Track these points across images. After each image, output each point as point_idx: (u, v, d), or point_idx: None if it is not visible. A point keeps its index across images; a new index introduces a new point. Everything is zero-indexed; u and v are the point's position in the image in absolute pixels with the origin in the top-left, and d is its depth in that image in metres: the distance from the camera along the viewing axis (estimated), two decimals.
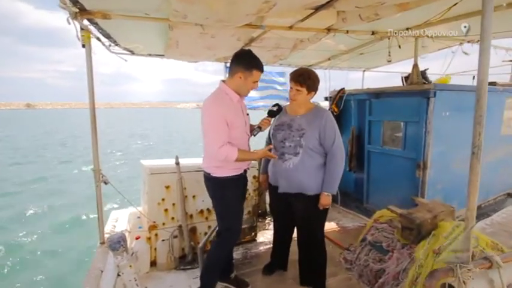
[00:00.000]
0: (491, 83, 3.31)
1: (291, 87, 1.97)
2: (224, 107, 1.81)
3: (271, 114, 2.04)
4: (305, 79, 1.89)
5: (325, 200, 1.94)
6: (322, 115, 1.93)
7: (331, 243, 3.00)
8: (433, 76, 3.64)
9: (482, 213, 3.40)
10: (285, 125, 2.01)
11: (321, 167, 1.96)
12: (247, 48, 2.91)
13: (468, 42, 3.09)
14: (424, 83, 2.94)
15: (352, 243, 2.81)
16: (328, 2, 1.75)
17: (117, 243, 1.99)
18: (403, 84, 3.61)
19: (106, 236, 2.42)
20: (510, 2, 1.85)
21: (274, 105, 2.05)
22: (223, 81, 1.91)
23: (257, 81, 1.88)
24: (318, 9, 1.92)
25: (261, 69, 1.86)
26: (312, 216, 2.04)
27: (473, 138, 0.93)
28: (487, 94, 0.91)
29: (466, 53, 3.14)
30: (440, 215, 2.23)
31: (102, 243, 2.33)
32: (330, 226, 3.35)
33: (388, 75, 4.93)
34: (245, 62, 1.81)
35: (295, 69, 2.03)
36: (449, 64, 3.28)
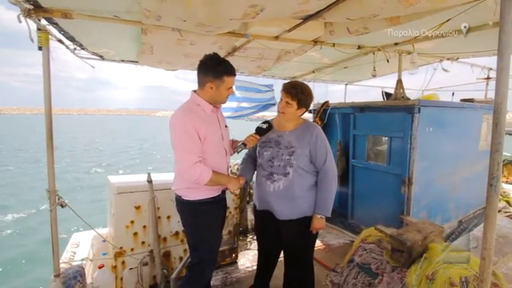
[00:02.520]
0: (469, 100, 3.40)
1: (281, 99, 1.80)
2: (195, 118, 1.59)
3: (260, 132, 1.82)
4: (297, 92, 1.73)
5: (319, 223, 1.78)
6: (313, 131, 1.78)
7: (316, 264, 2.83)
8: (413, 92, 3.70)
9: (464, 227, 3.42)
10: (272, 142, 1.83)
11: (312, 188, 1.81)
12: (229, 57, 2.75)
13: (448, 59, 3.16)
14: (408, 99, 2.93)
15: (339, 263, 2.67)
16: (318, 12, 1.64)
17: (73, 279, 1.71)
18: (384, 98, 3.63)
19: (63, 266, 2.08)
20: (496, 22, 1.84)
21: (264, 122, 1.85)
22: (194, 91, 1.69)
23: (231, 87, 1.69)
24: (306, 19, 1.81)
25: (233, 73, 1.64)
26: (301, 240, 1.87)
27: (490, 167, 0.81)
28: (505, 118, 0.79)
29: (445, 70, 3.20)
30: (430, 236, 2.15)
31: (57, 275, 1.99)
32: None
33: (365, 89, 5.00)
34: (213, 69, 1.59)
35: (283, 81, 1.88)
36: (429, 80, 3.34)
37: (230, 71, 1.62)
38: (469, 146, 3.35)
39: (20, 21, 1.53)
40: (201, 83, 1.63)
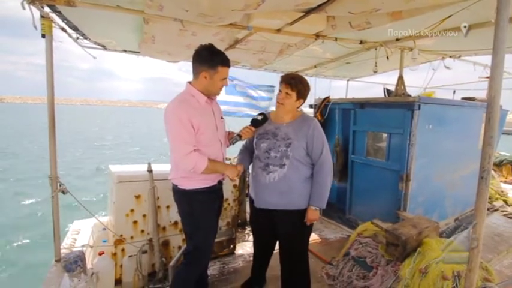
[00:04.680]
0: (470, 99, 3.39)
1: (280, 90, 1.82)
2: (189, 109, 1.61)
3: (255, 123, 1.84)
4: (296, 83, 1.75)
5: (313, 214, 1.80)
6: (310, 123, 1.80)
7: (313, 257, 2.88)
8: (414, 89, 3.69)
9: (460, 225, 3.45)
10: (269, 134, 1.85)
11: (307, 180, 1.83)
12: (230, 50, 2.75)
13: (450, 57, 3.14)
14: (409, 96, 2.93)
15: (335, 256, 2.71)
16: (320, 6, 1.64)
17: (74, 264, 1.75)
18: (385, 95, 3.63)
19: (63, 251, 2.12)
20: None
21: (259, 114, 1.87)
22: (190, 82, 1.71)
23: (226, 78, 1.69)
24: (308, 12, 1.81)
25: (227, 64, 1.65)
26: (296, 232, 1.90)
27: (482, 161, 0.82)
28: (499, 113, 0.81)
29: (447, 67, 3.19)
30: (425, 231, 2.18)
31: (58, 260, 2.03)
32: (311, 237, 3.23)
33: (369, 86, 4.98)
34: (207, 59, 1.60)
35: (282, 74, 1.89)
36: (431, 78, 3.33)
37: (224, 61, 1.63)
38: (468, 144, 3.36)
39: (23, 8, 1.54)
40: (196, 73, 1.65)
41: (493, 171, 3.86)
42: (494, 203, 4.05)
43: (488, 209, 3.94)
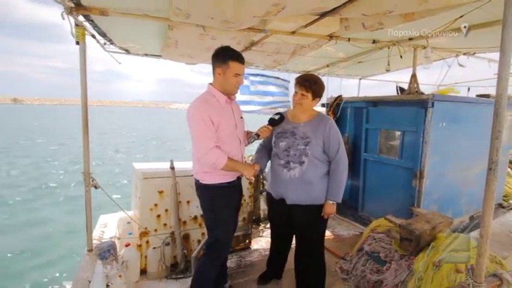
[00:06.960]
0: (485, 95, 3.37)
1: (295, 92, 1.91)
2: (210, 108, 1.71)
3: (273, 122, 1.94)
4: (311, 84, 1.84)
5: (330, 208, 1.90)
6: (326, 122, 1.89)
7: (326, 252, 2.94)
8: (427, 87, 3.69)
9: (476, 223, 3.43)
10: (288, 133, 1.95)
11: (325, 176, 1.92)
12: (246, 52, 2.86)
13: (464, 54, 3.14)
14: (422, 93, 2.95)
15: (348, 252, 2.77)
16: (334, 9, 1.73)
17: (107, 252, 1.90)
18: (398, 93, 3.64)
19: (94, 242, 2.29)
20: None
21: (276, 114, 1.97)
22: (210, 83, 1.82)
23: (239, 74, 1.75)
24: (323, 15, 1.89)
25: (238, 59, 1.71)
26: (313, 225, 1.99)
27: (490, 153, 0.90)
28: (505, 108, 0.88)
29: (461, 65, 3.19)
30: (438, 226, 2.22)
31: (90, 250, 2.20)
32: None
33: (379, 83, 4.98)
34: (219, 55, 1.71)
35: (297, 75, 1.98)
36: (445, 75, 3.33)
37: (236, 56, 1.72)
38: (483, 141, 3.30)
39: (63, 18, 1.70)
40: (213, 72, 1.77)
41: (509, 169, 3.80)
42: (511, 201, 3.99)
43: (504, 207, 3.89)
